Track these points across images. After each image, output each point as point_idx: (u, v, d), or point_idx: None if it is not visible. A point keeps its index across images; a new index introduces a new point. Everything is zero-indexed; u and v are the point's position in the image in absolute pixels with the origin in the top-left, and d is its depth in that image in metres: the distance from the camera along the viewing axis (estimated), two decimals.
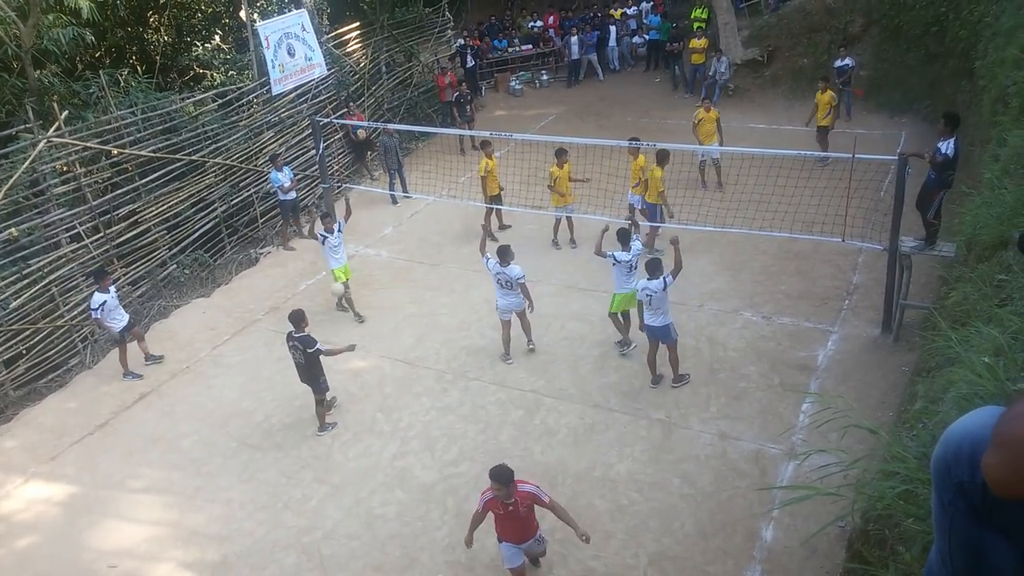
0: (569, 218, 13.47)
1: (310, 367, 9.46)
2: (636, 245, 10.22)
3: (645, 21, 24.21)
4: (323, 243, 11.81)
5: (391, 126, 16.40)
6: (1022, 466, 1.47)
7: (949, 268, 9.24)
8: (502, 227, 14.69)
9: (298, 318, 9.35)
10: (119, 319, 10.97)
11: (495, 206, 14.12)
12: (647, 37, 23.85)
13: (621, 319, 10.55)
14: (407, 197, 16.31)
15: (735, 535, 7.65)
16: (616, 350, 10.65)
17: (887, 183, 13.32)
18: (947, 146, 9.75)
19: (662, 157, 12.39)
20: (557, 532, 7.88)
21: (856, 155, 10.74)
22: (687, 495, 8.18)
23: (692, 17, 22.66)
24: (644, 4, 24.61)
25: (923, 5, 18.03)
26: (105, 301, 10.62)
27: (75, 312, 11.71)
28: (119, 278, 12.44)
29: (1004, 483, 1.51)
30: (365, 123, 16.85)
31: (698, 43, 20.61)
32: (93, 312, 10.71)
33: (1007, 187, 7.38)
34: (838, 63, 18.05)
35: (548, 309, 11.75)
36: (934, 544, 1.95)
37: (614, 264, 10.13)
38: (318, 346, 9.39)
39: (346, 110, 17.06)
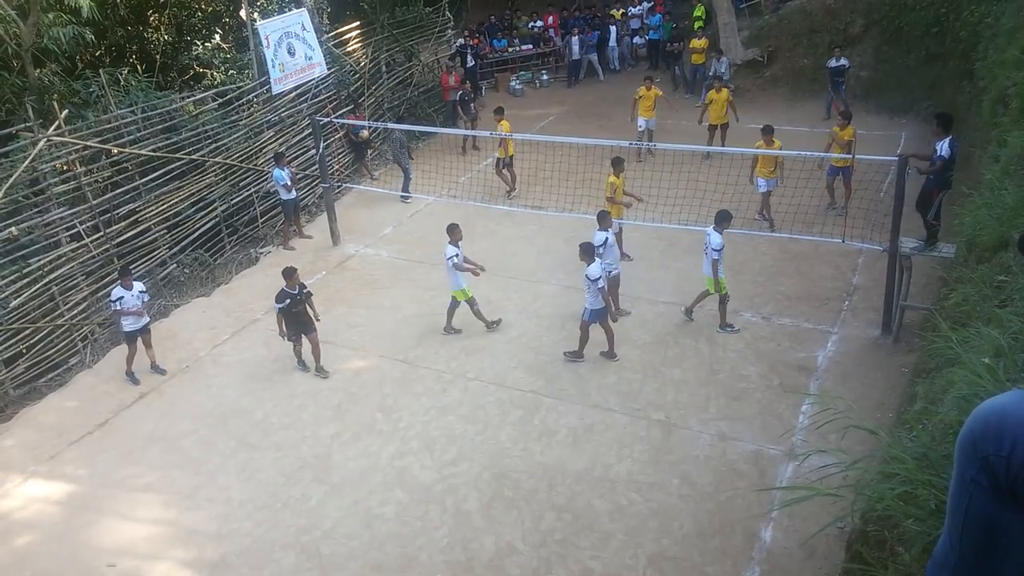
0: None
1: (307, 313, 10.71)
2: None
3: (646, 21, 24.21)
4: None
5: (392, 126, 16.41)
6: None
7: (949, 269, 9.24)
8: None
9: (290, 273, 10.42)
10: (133, 321, 10.84)
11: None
12: (648, 37, 23.87)
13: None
14: (406, 197, 16.28)
15: (734, 536, 7.65)
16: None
17: (887, 184, 13.33)
18: (942, 147, 9.77)
19: (617, 164, 12.36)
20: (556, 533, 7.90)
21: (856, 156, 10.76)
22: (686, 496, 8.19)
23: (693, 17, 22.67)
24: (645, 4, 24.61)
25: (923, 6, 18.04)
26: (123, 297, 10.62)
27: (75, 311, 11.70)
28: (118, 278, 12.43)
29: None
30: (366, 123, 16.85)
31: (698, 43, 20.62)
32: (111, 304, 10.76)
33: (1007, 188, 7.37)
34: (832, 63, 18.10)
35: (548, 310, 11.76)
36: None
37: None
38: (456, 258, 10.83)
39: (352, 107, 17.10)
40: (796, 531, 7.42)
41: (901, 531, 3.91)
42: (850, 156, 12.72)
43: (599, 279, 10.00)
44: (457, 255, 10.92)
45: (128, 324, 10.83)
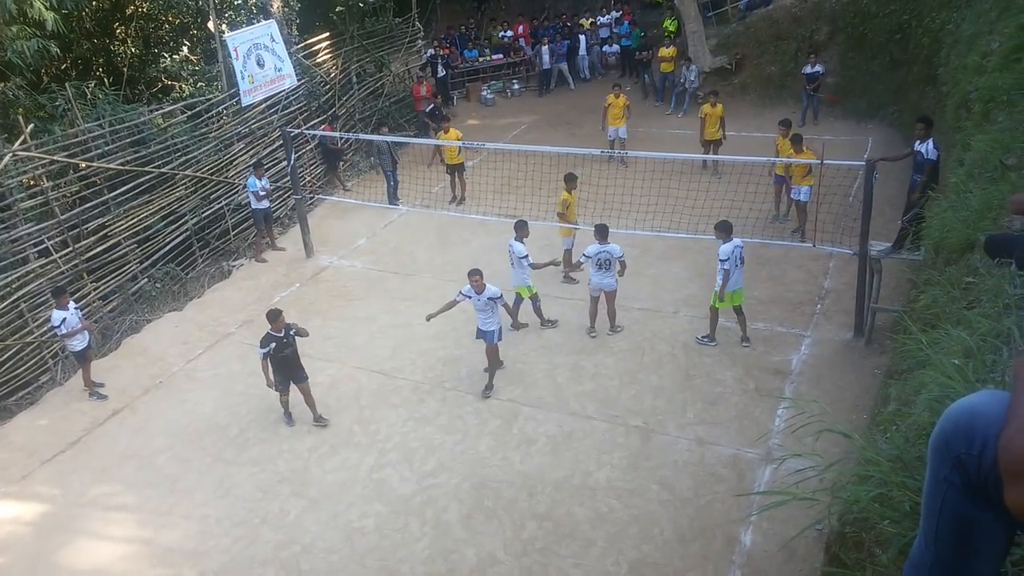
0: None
1: (297, 357, 9.77)
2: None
3: (615, 30, 24.40)
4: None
5: (364, 136, 16.39)
6: None
7: (918, 271, 9.39)
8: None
9: (275, 315, 9.53)
10: (81, 339, 10.72)
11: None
12: (620, 45, 24.05)
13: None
14: (395, 204, 16.25)
15: (714, 540, 7.70)
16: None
17: (856, 188, 13.53)
18: (928, 148, 9.97)
19: (569, 180, 12.48)
20: (537, 542, 7.90)
21: (824, 161, 10.91)
22: (666, 501, 8.23)
23: (663, 27, 22.89)
24: (614, 13, 24.79)
25: (887, 13, 18.36)
26: (65, 318, 10.44)
27: (44, 328, 11.50)
28: (89, 293, 12.27)
29: None
30: (338, 134, 16.79)
31: (667, 51, 20.81)
32: (56, 330, 10.57)
33: (972, 191, 7.50)
34: (807, 70, 18.37)
35: (524, 318, 11.76)
36: (919, 532, 1.97)
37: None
38: (528, 258, 10.82)
39: (327, 118, 17.08)
40: (775, 534, 7.48)
41: (878, 532, 3.97)
42: (780, 161, 12.90)
43: (622, 255, 10.71)
44: (526, 255, 11.08)
45: (77, 344, 10.69)
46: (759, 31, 21.06)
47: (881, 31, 18.50)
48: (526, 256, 11.04)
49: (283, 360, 9.66)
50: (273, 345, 9.51)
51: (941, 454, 1.78)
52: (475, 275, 9.79)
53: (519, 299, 11.43)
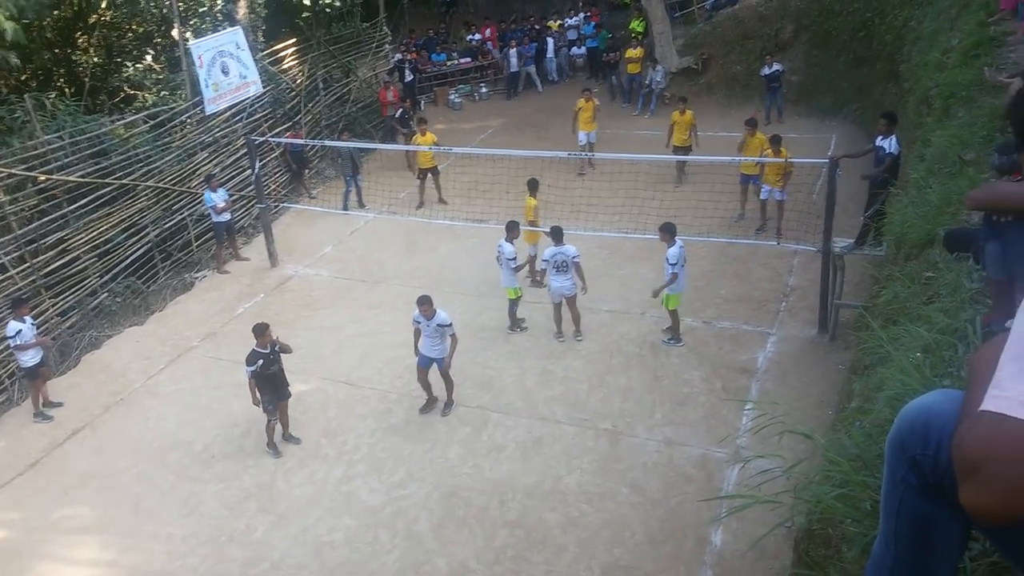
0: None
1: (283, 373, 9.45)
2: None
3: (582, 32, 24.45)
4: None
5: (334, 143, 16.25)
6: (1001, 487, 1.45)
7: (880, 267, 9.45)
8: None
9: (262, 330, 9.18)
10: (34, 354, 10.45)
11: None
12: (586, 46, 24.10)
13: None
14: (362, 207, 16.14)
15: (685, 541, 7.69)
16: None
17: (819, 186, 13.61)
18: (891, 143, 10.04)
19: (532, 186, 12.49)
20: (509, 550, 7.82)
21: (789, 159, 10.97)
22: (636, 504, 8.20)
23: (630, 28, 22.95)
24: (582, 15, 24.84)
25: (850, 11, 18.55)
26: (20, 330, 10.20)
27: (1, 347, 11.24)
28: (47, 309, 12.00)
29: (993, 510, 1.47)
30: (303, 140, 16.64)
31: (634, 52, 20.87)
32: (10, 341, 10.32)
33: (932, 187, 7.56)
34: (766, 71, 18.49)
35: (493, 323, 11.69)
36: (879, 531, 1.97)
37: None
38: (514, 261, 10.94)
39: (291, 125, 16.94)
40: (745, 533, 7.45)
41: (844, 529, 3.95)
42: (751, 160, 12.90)
43: (576, 256, 10.71)
44: (515, 257, 11.06)
45: (29, 359, 10.40)
46: (725, 31, 21.21)
47: (845, 29, 18.69)
48: (514, 258, 11.03)
49: (270, 378, 9.28)
50: (260, 362, 9.10)
51: (897, 455, 1.78)
52: (423, 304, 9.38)
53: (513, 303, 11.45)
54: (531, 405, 9.92)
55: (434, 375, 9.84)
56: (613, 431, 9.28)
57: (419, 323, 9.57)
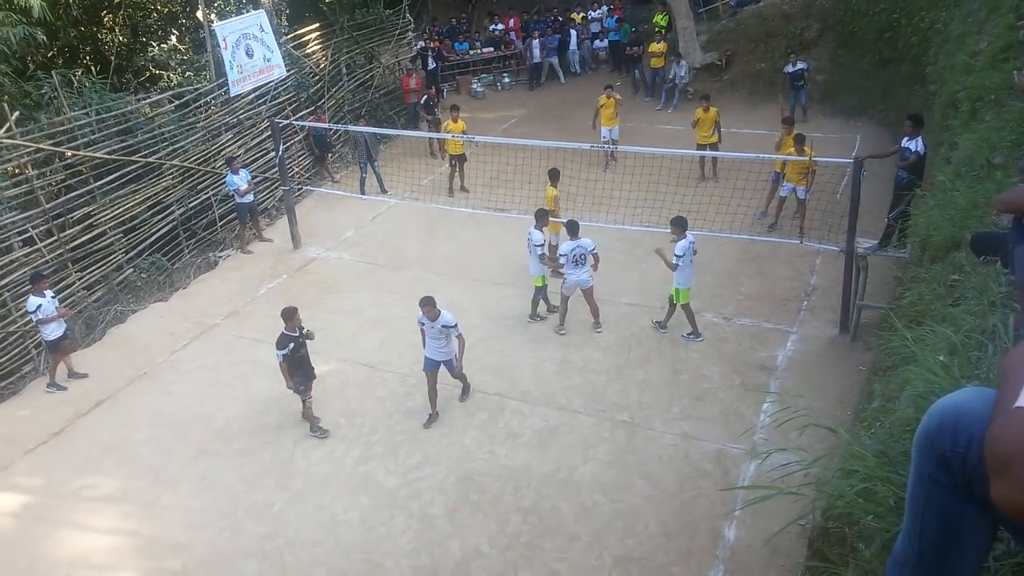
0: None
1: (308, 356, 9.52)
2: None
3: (605, 25, 24.40)
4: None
5: (353, 128, 16.29)
6: None
7: (904, 269, 9.44)
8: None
9: (291, 314, 9.26)
10: (56, 327, 10.61)
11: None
12: (609, 39, 24.05)
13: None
14: (384, 193, 16.21)
15: (698, 535, 7.72)
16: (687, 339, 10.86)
17: (843, 186, 13.55)
18: (917, 144, 10.02)
19: (553, 176, 12.52)
20: (522, 536, 7.89)
21: (813, 158, 10.94)
22: (651, 496, 8.24)
23: (654, 22, 22.89)
24: (605, 7, 24.79)
25: (876, 11, 18.40)
26: (40, 305, 10.36)
27: (28, 318, 11.38)
28: (73, 283, 12.16)
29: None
30: (327, 125, 16.72)
31: (657, 47, 20.82)
32: (31, 316, 10.49)
33: (959, 190, 7.54)
34: (789, 69, 18.40)
35: (512, 312, 11.75)
36: (903, 529, 1.97)
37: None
38: (541, 248, 10.79)
39: (315, 108, 17.01)
40: (759, 529, 7.50)
41: (861, 528, 3.98)
42: (779, 158, 12.84)
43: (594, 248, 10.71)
44: (542, 244, 11.08)
45: (51, 332, 10.57)
46: (749, 28, 21.10)
47: (871, 29, 18.55)
48: (541, 245, 11.07)
49: (299, 360, 9.40)
50: (291, 346, 9.20)
51: (926, 452, 1.78)
52: (426, 305, 9.19)
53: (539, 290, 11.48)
54: (548, 394, 9.97)
55: (445, 378, 9.74)
56: (630, 423, 9.32)
57: (423, 324, 9.43)
